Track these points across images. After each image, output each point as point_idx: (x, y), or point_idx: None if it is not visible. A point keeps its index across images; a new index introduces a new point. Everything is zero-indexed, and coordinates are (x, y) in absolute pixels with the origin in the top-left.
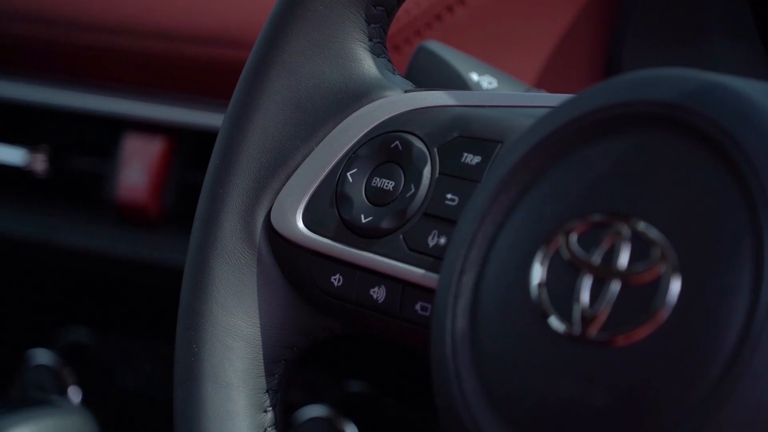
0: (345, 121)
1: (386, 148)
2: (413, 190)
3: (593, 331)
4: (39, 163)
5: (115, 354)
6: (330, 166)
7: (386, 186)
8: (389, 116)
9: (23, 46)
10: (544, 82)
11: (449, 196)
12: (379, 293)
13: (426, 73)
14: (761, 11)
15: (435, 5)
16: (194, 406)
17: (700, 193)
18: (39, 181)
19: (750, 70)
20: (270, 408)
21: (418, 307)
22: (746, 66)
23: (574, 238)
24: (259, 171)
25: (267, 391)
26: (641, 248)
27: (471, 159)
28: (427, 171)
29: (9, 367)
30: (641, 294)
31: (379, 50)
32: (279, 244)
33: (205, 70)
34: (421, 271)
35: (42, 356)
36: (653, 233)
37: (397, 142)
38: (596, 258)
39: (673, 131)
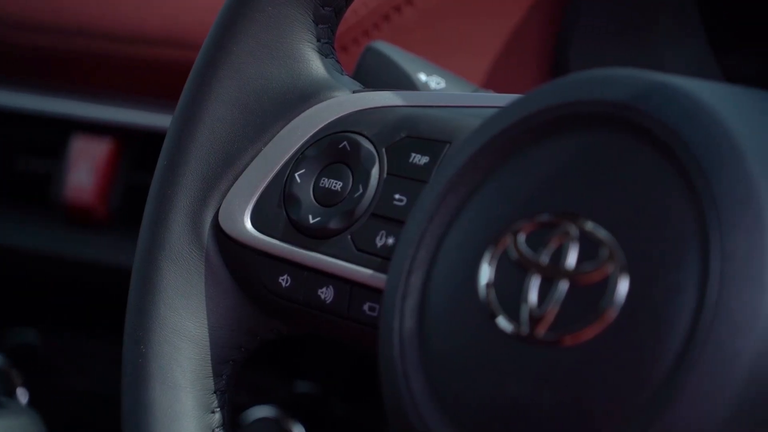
0: (293, 122)
1: (334, 148)
2: (361, 190)
3: (541, 331)
4: None
5: (63, 355)
6: (278, 167)
7: (334, 186)
8: (337, 117)
9: None
10: (492, 82)
11: (397, 196)
12: (327, 294)
13: (374, 73)
14: (708, 10)
15: (383, 5)
16: (142, 408)
17: (648, 192)
18: None
19: (697, 69)
20: (218, 409)
21: (366, 307)
22: (694, 65)
23: (522, 238)
24: (207, 172)
25: (215, 392)
26: (589, 248)
27: (419, 159)
28: (375, 171)
29: None
30: (589, 294)
31: (327, 51)
32: (227, 244)
33: (153, 71)
34: (369, 271)
35: None
36: (601, 233)
37: (345, 142)
38: (544, 258)
39: (621, 131)
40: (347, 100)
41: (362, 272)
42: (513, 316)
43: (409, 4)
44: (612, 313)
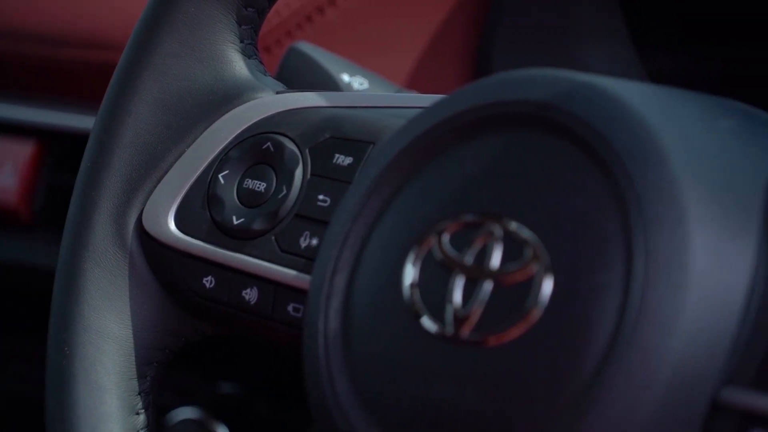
0: (216, 123)
1: (258, 149)
2: (285, 191)
3: (466, 331)
4: None
5: None
6: (201, 168)
7: (258, 187)
8: (261, 118)
9: None
10: (415, 82)
11: (321, 197)
12: (251, 295)
13: (297, 74)
14: (631, 11)
15: (305, 6)
16: (66, 409)
17: (572, 193)
18: None
19: (621, 69)
20: (142, 410)
21: (290, 308)
22: (617, 66)
23: (446, 238)
24: (130, 173)
25: (139, 393)
26: (514, 248)
27: (343, 160)
28: (298, 172)
29: None
30: (514, 294)
31: (250, 52)
32: (151, 246)
33: (77, 73)
34: (293, 272)
35: None
36: (525, 233)
37: (268, 143)
38: (468, 258)
39: (544, 131)
40: (271, 101)
41: (286, 273)
42: (437, 316)
43: (332, 4)
44: (536, 314)
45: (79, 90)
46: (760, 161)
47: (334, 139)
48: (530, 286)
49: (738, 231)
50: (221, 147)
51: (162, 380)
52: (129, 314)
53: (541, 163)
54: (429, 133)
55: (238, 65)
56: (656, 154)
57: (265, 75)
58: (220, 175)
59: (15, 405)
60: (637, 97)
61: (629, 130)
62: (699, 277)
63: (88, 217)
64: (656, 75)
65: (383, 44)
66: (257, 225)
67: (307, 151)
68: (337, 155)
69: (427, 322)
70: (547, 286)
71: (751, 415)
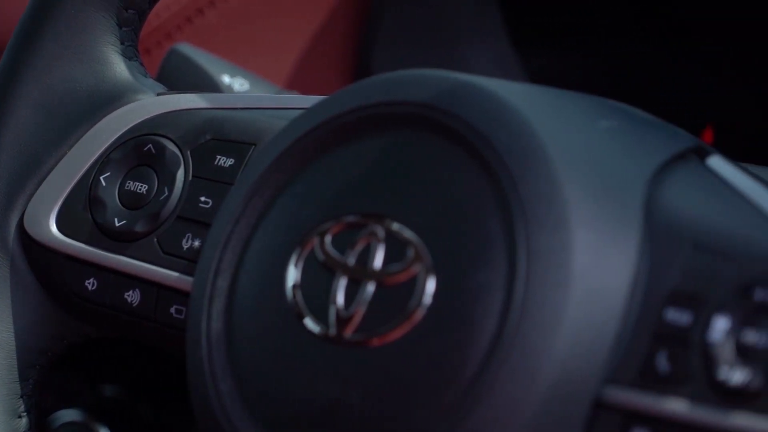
0: (97, 125)
1: (139, 151)
2: (167, 193)
3: (349, 332)
4: None
5: None
6: (83, 170)
7: (140, 189)
8: (142, 119)
9: None
10: (297, 83)
11: (203, 198)
12: (133, 297)
13: (178, 76)
14: (510, 11)
15: (186, 8)
16: None
17: (455, 193)
18: None
19: (501, 69)
20: (24, 413)
21: (173, 310)
22: (497, 66)
23: (328, 239)
24: (11, 176)
25: (21, 396)
26: (396, 249)
27: (224, 161)
28: (180, 174)
29: None
30: (397, 294)
31: (130, 53)
32: (32, 248)
33: None
34: (175, 274)
35: None
36: (408, 234)
37: (149, 145)
38: (351, 259)
39: (426, 132)
40: (152, 103)
41: (169, 275)
42: (321, 317)
43: (212, 6)
44: (419, 314)
45: None
46: (641, 161)
47: (216, 140)
48: (413, 286)
49: (619, 231)
50: (102, 149)
51: (45, 383)
52: (11, 317)
53: (424, 163)
54: (310, 134)
55: (119, 67)
56: (538, 154)
57: (146, 77)
58: (101, 177)
59: None
60: (518, 96)
61: (510, 130)
62: (581, 276)
63: None
64: (537, 75)
65: (264, 45)
66: (139, 227)
67: (188, 152)
68: (218, 157)
69: (310, 323)
70: (430, 286)
71: (633, 414)
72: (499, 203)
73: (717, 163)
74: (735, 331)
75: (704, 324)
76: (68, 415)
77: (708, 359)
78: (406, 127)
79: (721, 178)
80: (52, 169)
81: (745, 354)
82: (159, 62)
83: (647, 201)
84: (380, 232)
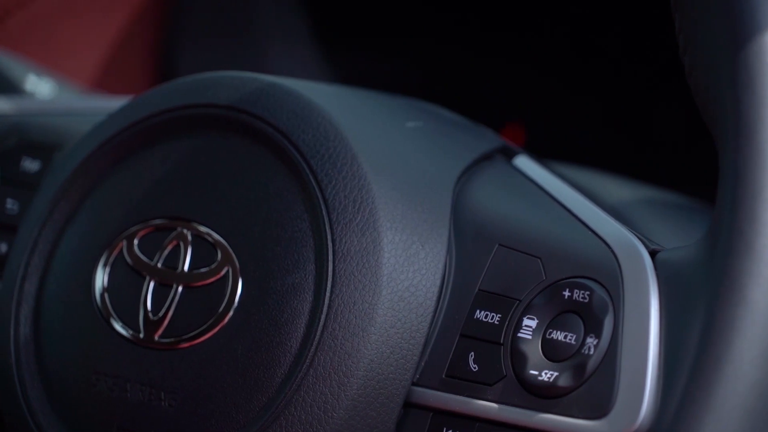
0: None
1: None
2: None
3: (158, 335)
4: None
5: None
6: None
7: None
8: None
9: None
10: (102, 83)
11: (9, 203)
12: None
13: None
14: (316, 13)
15: None
16: None
17: (262, 195)
18: None
19: (305, 71)
20: None
21: None
22: (301, 67)
23: (136, 242)
24: None
25: None
26: (205, 252)
27: (30, 166)
28: None
29: None
30: (206, 297)
31: None
32: None
33: None
34: None
35: None
36: (215, 237)
37: None
38: (159, 262)
39: (233, 134)
40: None
41: None
42: (130, 320)
43: (19, 8)
44: (227, 317)
45: None
46: (449, 162)
47: (21, 144)
48: (221, 288)
49: (428, 231)
50: None
51: None
52: None
53: (232, 165)
54: (115, 137)
55: None
56: (345, 155)
57: None
58: None
59: None
60: (325, 98)
61: (317, 131)
62: (389, 277)
63: None
64: (345, 76)
65: (67, 46)
66: None
67: None
68: (24, 161)
69: (119, 327)
70: (238, 288)
71: (444, 414)
72: (307, 205)
73: (524, 162)
74: (542, 330)
75: (512, 324)
76: None
77: (516, 358)
78: (213, 130)
79: (528, 178)
80: None
81: (552, 353)
82: None
83: (455, 202)
84: (188, 235)
